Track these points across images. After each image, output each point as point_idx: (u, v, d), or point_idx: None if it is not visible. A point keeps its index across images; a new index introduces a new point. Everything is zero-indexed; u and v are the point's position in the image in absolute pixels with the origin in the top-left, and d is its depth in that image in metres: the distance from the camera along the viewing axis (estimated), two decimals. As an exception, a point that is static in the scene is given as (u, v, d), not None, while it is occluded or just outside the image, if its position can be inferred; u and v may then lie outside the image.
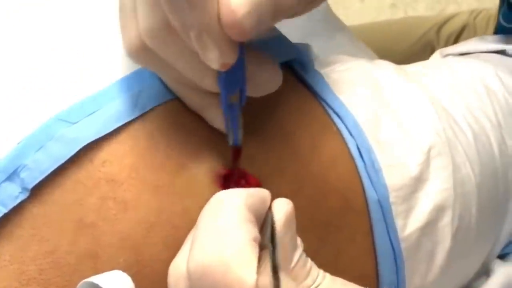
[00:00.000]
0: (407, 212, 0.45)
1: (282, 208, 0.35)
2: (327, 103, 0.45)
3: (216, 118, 0.39)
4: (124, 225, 0.37)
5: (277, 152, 0.41)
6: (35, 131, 0.37)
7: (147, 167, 0.38)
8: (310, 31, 0.72)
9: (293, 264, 0.34)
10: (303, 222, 0.41)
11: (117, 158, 0.38)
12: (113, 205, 0.37)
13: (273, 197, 0.40)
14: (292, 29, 0.71)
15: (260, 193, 0.35)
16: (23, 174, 0.36)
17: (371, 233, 0.44)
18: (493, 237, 0.53)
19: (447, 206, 0.46)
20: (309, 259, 0.34)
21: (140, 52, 0.35)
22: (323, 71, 0.48)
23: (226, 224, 0.32)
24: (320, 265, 0.42)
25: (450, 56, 0.68)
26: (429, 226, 0.45)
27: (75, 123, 0.38)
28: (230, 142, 0.38)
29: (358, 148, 0.44)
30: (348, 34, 0.74)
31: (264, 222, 0.34)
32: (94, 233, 0.37)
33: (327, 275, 0.34)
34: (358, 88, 0.47)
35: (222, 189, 0.38)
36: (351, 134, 0.44)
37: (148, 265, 0.37)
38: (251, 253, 0.32)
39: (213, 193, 0.37)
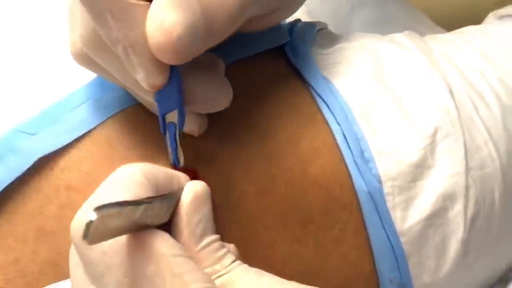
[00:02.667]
0: (407, 203, 0.41)
1: (191, 188, 0.33)
2: (315, 90, 0.42)
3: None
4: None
5: (245, 149, 0.39)
6: None
7: (105, 174, 0.37)
8: (359, 2, 0.68)
9: (199, 247, 0.32)
10: (274, 221, 0.39)
11: (76, 165, 0.38)
12: (71, 213, 0.36)
13: (241, 198, 0.39)
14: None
15: (169, 172, 0.34)
16: None
17: (364, 228, 0.40)
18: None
19: (458, 194, 0.41)
20: (225, 250, 0.33)
21: (81, 56, 0.35)
22: (325, 51, 0.45)
23: (112, 179, 0.32)
24: (304, 267, 0.40)
25: (507, 18, 0.61)
26: (436, 217, 0.41)
27: (34, 134, 0.38)
28: (171, 161, 0.37)
29: (345, 137, 0.41)
30: (404, 4, 0.69)
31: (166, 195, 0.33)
32: (54, 242, 0.37)
33: (244, 265, 0.32)
34: (356, 69, 0.44)
35: None
36: (337, 122, 0.41)
37: None
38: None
39: None
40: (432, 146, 0.42)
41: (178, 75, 0.33)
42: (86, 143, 0.39)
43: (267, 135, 0.40)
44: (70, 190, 0.38)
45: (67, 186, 0.38)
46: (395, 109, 0.42)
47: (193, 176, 0.36)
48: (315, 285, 0.38)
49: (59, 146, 0.38)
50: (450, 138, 0.42)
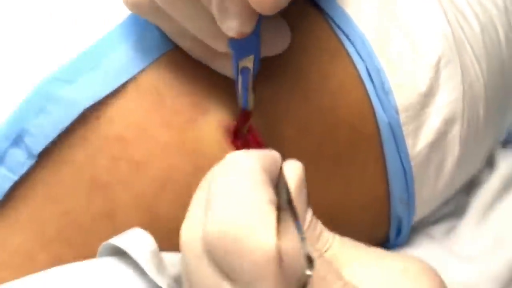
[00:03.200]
0: (417, 130, 0.43)
1: (294, 171, 0.33)
2: (334, 22, 0.42)
3: (224, 67, 0.36)
4: (137, 185, 0.36)
5: (284, 92, 0.39)
6: (33, 93, 0.36)
7: (155, 124, 0.37)
8: None
9: (305, 227, 0.33)
10: (310, 159, 0.40)
11: (124, 116, 0.36)
12: (125, 165, 0.36)
13: (281, 141, 0.39)
14: None
15: (272, 154, 0.33)
16: (27, 140, 0.35)
17: (382, 157, 0.43)
18: (497, 128, 0.52)
19: (456, 117, 0.45)
20: (319, 222, 0.34)
21: (145, 6, 0.33)
22: None
23: (243, 186, 0.30)
24: (333, 199, 0.42)
25: None
26: (439, 140, 0.45)
27: (73, 82, 0.36)
28: (240, 105, 0.36)
29: (368, 70, 0.42)
30: None
31: (276, 185, 0.33)
32: (108, 193, 0.36)
33: (336, 236, 0.34)
34: None
35: (232, 146, 0.37)
36: (360, 56, 0.42)
37: (163, 224, 0.37)
38: (269, 215, 0.30)
39: (223, 151, 0.36)
40: (436, 74, 0.44)
41: (260, 22, 0.33)
42: (131, 91, 0.37)
43: (299, 75, 0.40)
44: (122, 142, 0.36)
45: (118, 138, 0.36)
46: (404, 39, 0.44)
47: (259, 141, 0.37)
48: (339, 213, 0.40)
49: (103, 95, 0.36)
50: (451, 64, 0.45)
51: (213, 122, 0.37)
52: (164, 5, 0.32)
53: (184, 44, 0.36)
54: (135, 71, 0.36)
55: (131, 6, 0.34)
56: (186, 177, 0.37)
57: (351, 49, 0.42)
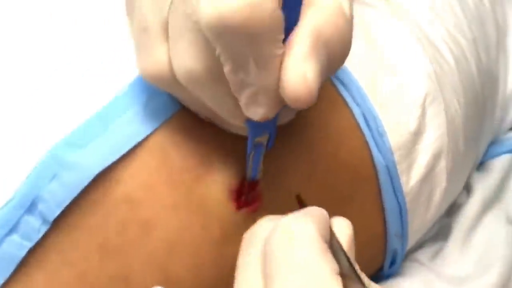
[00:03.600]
0: (409, 167, 0.46)
1: (344, 231, 0.33)
2: None
3: (235, 127, 0.36)
4: (148, 246, 0.37)
5: (288, 143, 0.40)
6: (45, 158, 0.36)
7: (163, 184, 0.37)
8: None
9: None
10: (314, 204, 0.41)
11: (132, 177, 0.37)
12: (135, 227, 0.36)
13: (287, 191, 0.40)
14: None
15: (322, 215, 0.33)
16: (40, 206, 0.35)
17: (379, 196, 0.45)
18: (475, 155, 0.55)
19: (443, 151, 0.47)
20: (363, 275, 0.33)
21: (165, 81, 0.33)
22: None
23: (306, 258, 0.29)
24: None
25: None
26: (428, 175, 0.47)
27: (84, 146, 0.36)
28: (248, 175, 0.37)
29: (363, 115, 0.43)
30: None
31: (330, 246, 0.32)
32: (121, 256, 0.36)
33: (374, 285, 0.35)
34: (354, 42, 0.45)
35: (236, 205, 0.38)
36: (355, 102, 0.43)
37: (178, 284, 0.37)
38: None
39: (228, 211, 0.37)
40: (423, 112, 0.46)
41: None
42: (140, 153, 0.37)
43: (303, 124, 0.41)
44: (130, 203, 0.36)
45: (127, 199, 0.36)
46: (391, 81, 0.46)
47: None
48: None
49: (114, 159, 0.36)
50: (435, 102, 0.47)
51: (220, 181, 0.38)
52: (186, 84, 0.32)
53: (197, 111, 0.37)
54: (144, 135, 0.37)
55: (151, 79, 0.34)
56: (195, 238, 0.37)
57: (346, 96, 0.43)
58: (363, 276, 0.32)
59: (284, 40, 0.30)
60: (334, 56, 0.31)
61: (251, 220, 0.37)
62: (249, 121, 0.33)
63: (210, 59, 0.30)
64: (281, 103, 0.31)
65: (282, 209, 0.38)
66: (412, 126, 0.45)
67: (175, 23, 0.31)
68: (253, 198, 0.38)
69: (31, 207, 0.35)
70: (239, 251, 0.33)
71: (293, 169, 0.40)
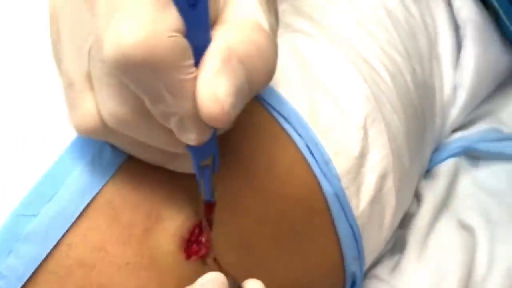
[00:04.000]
0: (357, 191, 0.46)
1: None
2: (267, 103, 0.43)
3: (182, 165, 0.36)
4: None
5: (237, 185, 0.40)
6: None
7: (114, 243, 0.36)
8: None
9: None
10: (270, 244, 0.42)
11: (82, 239, 0.36)
12: None
13: (240, 233, 0.40)
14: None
15: (216, 286, 0.34)
16: (0, 283, 0.35)
17: (332, 225, 0.45)
18: (420, 166, 0.56)
19: (388, 171, 0.48)
20: None
21: (98, 131, 0.33)
22: None
23: None
24: (291, 275, 0.44)
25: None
26: (377, 196, 0.47)
27: (35, 215, 0.35)
28: (203, 198, 0.37)
29: (307, 146, 0.43)
30: None
31: None
32: None
33: None
34: (288, 70, 0.46)
35: (186, 255, 0.38)
36: (298, 133, 0.43)
37: None
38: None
39: (178, 263, 0.37)
40: (365, 134, 0.47)
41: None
42: (89, 212, 0.36)
43: (248, 166, 0.41)
44: (84, 268, 0.36)
45: (80, 264, 0.36)
46: (331, 106, 0.46)
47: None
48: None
49: (69, 223, 0.35)
50: (375, 122, 0.48)
51: (169, 231, 0.37)
52: (119, 129, 0.32)
53: (139, 154, 0.36)
54: (93, 193, 0.36)
55: (85, 133, 0.34)
56: None
57: (287, 127, 0.43)
58: None
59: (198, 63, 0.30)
60: (255, 72, 0.31)
61: (205, 267, 0.37)
62: (188, 146, 0.33)
63: (132, 98, 0.30)
64: (209, 125, 0.31)
65: (231, 253, 0.38)
66: (356, 150, 0.46)
67: (94, 71, 0.31)
68: (202, 244, 0.38)
69: None
70: None
71: (244, 215, 0.40)
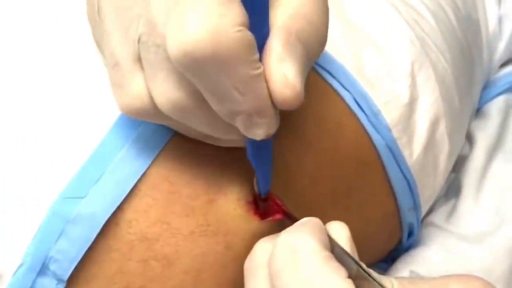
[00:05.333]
0: (410, 140, 0.44)
1: (343, 235, 0.33)
2: None
3: (232, 141, 0.35)
4: (173, 280, 0.36)
5: (288, 144, 0.39)
6: (47, 216, 0.35)
7: (176, 215, 0.36)
8: None
9: None
10: (326, 200, 0.41)
11: (143, 214, 0.35)
12: (156, 263, 0.35)
13: (298, 193, 0.39)
14: None
15: (318, 224, 0.33)
16: (52, 267, 0.35)
17: (386, 176, 0.44)
18: (471, 105, 0.54)
19: (440, 115, 0.46)
20: (371, 271, 0.33)
21: (148, 114, 0.32)
22: None
23: (313, 270, 0.30)
24: (350, 229, 0.43)
25: None
26: (430, 142, 0.46)
27: (83, 197, 0.35)
28: (257, 190, 0.35)
29: (355, 99, 0.42)
30: None
31: (332, 251, 0.32)
32: None
33: (393, 280, 0.34)
34: (331, 26, 0.44)
35: (256, 217, 0.37)
36: (345, 88, 0.42)
37: None
38: None
39: (248, 223, 0.36)
40: (413, 80, 0.45)
41: None
42: (144, 188, 0.36)
43: (299, 123, 0.39)
44: (147, 242, 0.35)
45: (142, 239, 0.35)
46: (375, 56, 0.44)
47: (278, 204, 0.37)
48: (359, 241, 0.41)
49: (119, 202, 0.35)
50: (423, 67, 0.45)
51: (232, 198, 0.37)
52: (174, 115, 0.31)
53: (188, 134, 0.35)
54: (143, 169, 0.35)
55: (133, 115, 0.33)
56: (220, 259, 0.36)
57: (334, 83, 0.42)
58: (372, 272, 0.31)
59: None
60: (311, 46, 0.30)
61: (276, 228, 0.36)
62: (248, 139, 0.32)
63: (192, 85, 0.29)
64: (278, 114, 0.30)
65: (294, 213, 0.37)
66: (405, 97, 0.44)
67: (147, 54, 0.30)
68: (272, 208, 0.37)
69: (42, 269, 0.35)
70: (244, 283, 0.33)
71: (298, 171, 0.39)
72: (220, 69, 0.27)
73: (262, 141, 0.31)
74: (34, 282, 0.35)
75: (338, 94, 0.42)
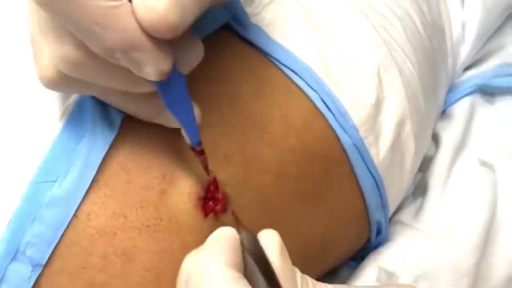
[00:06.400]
0: (376, 139, 0.46)
1: (273, 242, 0.34)
2: (277, 60, 0.43)
3: (170, 120, 0.36)
4: (134, 276, 0.37)
5: (252, 140, 0.40)
6: (21, 201, 0.35)
7: (132, 208, 0.37)
8: None
9: None
10: (293, 197, 0.42)
11: (101, 207, 0.36)
12: (116, 259, 0.36)
13: (259, 188, 0.40)
14: None
15: (232, 239, 0.33)
16: (29, 252, 0.35)
17: (353, 174, 0.45)
18: (436, 108, 0.56)
19: (406, 116, 0.47)
20: (306, 277, 0.34)
21: (58, 80, 0.33)
22: (255, 11, 0.45)
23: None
24: (317, 227, 0.44)
25: None
26: (396, 142, 0.47)
27: (56, 180, 0.36)
28: (188, 141, 0.36)
29: (322, 100, 0.43)
30: None
31: (257, 258, 0.33)
32: None
33: (328, 286, 0.35)
34: (294, 25, 0.45)
35: (204, 212, 0.38)
36: (311, 88, 0.43)
37: None
38: None
39: (196, 221, 0.37)
40: (380, 81, 0.46)
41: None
42: (104, 178, 0.36)
43: (262, 121, 0.40)
44: (106, 236, 0.36)
45: (101, 232, 0.36)
46: (341, 56, 0.45)
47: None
48: (327, 239, 0.42)
49: (85, 190, 0.36)
50: (389, 69, 0.47)
51: (184, 191, 0.38)
52: (75, 73, 0.32)
53: (127, 108, 0.36)
54: (101, 156, 0.36)
55: (46, 85, 0.33)
56: (177, 258, 0.37)
57: (301, 83, 0.43)
58: (302, 280, 0.33)
59: None
60: None
61: (223, 223, 0.37)
62: (157, 84, 0.32)
63: (74, 36, 0.30)
64: (166, 48, 0.30)
65: (252, 210, 0.39)
66: (371, 98, 0.45)
67: (39, 21, 0.32)
68: (218, 200, 0.38)
69: (17, 255, 0.35)
70: None
71: (260, 167, 0.40)
72: (72, 4, 0.28)
73: (173, 88, 0.32)
74: (5, 268, 0.35)
75: (304, 93, 0.43)
